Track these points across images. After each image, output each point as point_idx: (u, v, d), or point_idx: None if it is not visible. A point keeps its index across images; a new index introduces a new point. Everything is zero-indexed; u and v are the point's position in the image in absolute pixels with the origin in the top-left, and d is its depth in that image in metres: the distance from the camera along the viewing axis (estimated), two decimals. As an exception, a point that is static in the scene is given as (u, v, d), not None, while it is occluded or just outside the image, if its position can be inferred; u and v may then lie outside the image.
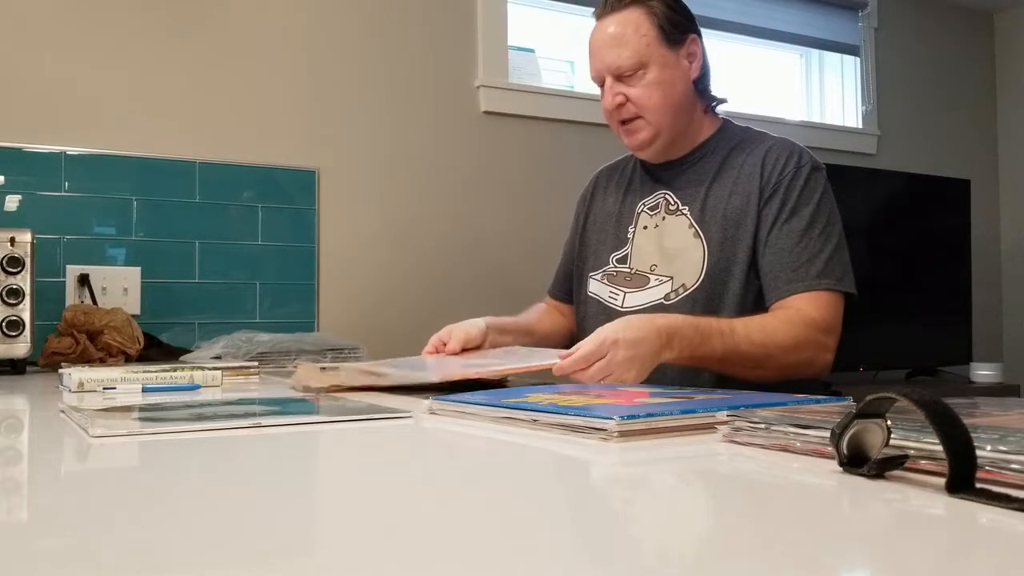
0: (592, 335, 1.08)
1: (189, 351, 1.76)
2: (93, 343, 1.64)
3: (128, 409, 0.92)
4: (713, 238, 1.34)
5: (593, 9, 1.44)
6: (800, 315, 1.26)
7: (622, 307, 1.40)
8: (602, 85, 1.39)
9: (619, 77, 1.36)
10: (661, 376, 1.31)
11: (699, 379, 1.27)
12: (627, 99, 1.36)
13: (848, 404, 0.73)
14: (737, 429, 0.68)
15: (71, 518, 0.47)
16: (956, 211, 3.13)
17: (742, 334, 1.19)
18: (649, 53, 1.34)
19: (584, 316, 1.50)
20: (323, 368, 1.22)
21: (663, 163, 1.45)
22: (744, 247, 1.32)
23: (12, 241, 1.55)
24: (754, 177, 1.34)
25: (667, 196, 1.42)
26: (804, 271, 1.28)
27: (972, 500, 0.46)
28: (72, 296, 1.89)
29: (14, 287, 1.54)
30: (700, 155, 1.42)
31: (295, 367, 1.65)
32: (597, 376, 1.05)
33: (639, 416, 0.71)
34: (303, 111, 2.19)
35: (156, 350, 1.79)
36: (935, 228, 3.09)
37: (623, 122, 1.39)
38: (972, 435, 0.48)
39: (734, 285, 1.32)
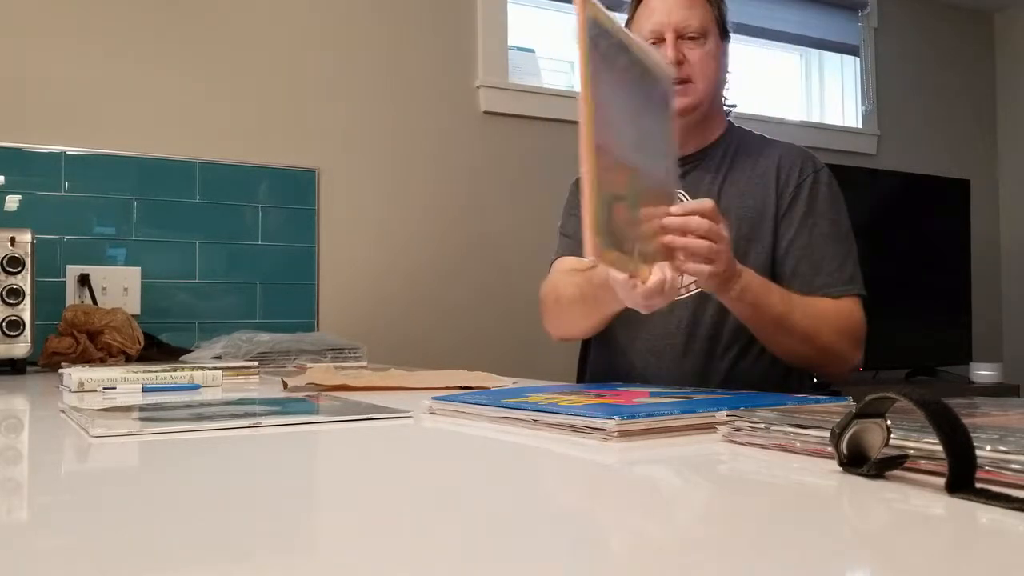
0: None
1: (189, 351, 1.76)
2: (93, 343, 1.64)
3: (128, 409, 0.92)
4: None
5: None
6: (839, 308, 1.28)
7: None
8: (655, 42, 1.38)
9: (681, 37, 1.37)
10: (654, 378, 1.31)
11: (708, 381, 1.28)
12: (687, 60, 1.38)
13: (848, 404, 0.73)
14: (737, 429, 0.68)
15: (71, 518, 0.47)
16: (956, 211, 3.13)
17: (798, 303, 1.22)
18: (711, 28, 1.38)
19: None
20: (338, 368, 1.22)
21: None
22: (759, 251, 1.32)
23: (12, 241, 1.55)
24: (769, 182, 1.35)
25: (682, 196, 1.43)
26: (836, 275, 1.29)
27: (972, 500, 0.46)
28: (72, 296, 1.89)
29: (14, 287, 1.54)
30: (710, 154, 1.43)
31: (296, 367, 1.65)
32: (698, 228, 1.01)
33: (639, 416, 0.71)
34: (303, 111, 2.19)
35: (156, 350, 1.79)
36: (935, 228, 3.09)
37: (678, 81, 1.40)
38: (972, 435, 0.48)
39: None
